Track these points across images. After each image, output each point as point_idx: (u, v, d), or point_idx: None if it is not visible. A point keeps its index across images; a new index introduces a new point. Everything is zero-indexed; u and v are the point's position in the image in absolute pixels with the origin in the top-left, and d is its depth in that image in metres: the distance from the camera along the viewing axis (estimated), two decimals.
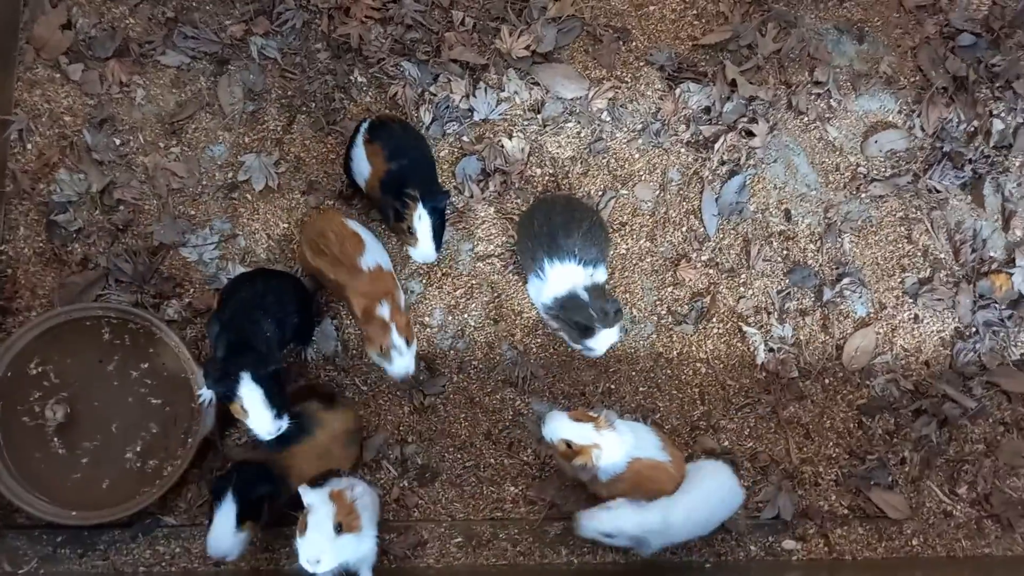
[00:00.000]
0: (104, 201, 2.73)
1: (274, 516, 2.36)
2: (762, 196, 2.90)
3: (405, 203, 2.49)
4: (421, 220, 2.50)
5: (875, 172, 2.94)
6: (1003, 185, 2.94)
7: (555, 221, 2.57)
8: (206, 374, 2.34)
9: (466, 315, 2.76)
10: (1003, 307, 2.84)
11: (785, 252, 2.86)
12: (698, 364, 2.78)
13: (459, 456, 2.67)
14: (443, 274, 2.79)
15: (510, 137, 2.86)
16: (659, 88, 2.94)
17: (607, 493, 2.41)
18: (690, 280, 2.82)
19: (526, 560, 2.60)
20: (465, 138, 2.87)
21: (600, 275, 2.59)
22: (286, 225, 2.77)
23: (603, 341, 2.54)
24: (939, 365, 2.81)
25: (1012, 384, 2.78)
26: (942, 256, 2.89)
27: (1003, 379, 2.79)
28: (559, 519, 2.62)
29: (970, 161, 2.93)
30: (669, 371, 2.77)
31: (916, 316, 2.84)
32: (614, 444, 2.34)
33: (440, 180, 2.73)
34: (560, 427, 2.36)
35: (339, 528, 2.15)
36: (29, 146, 2.76)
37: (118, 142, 2.78)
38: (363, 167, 2.59)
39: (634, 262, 2.83)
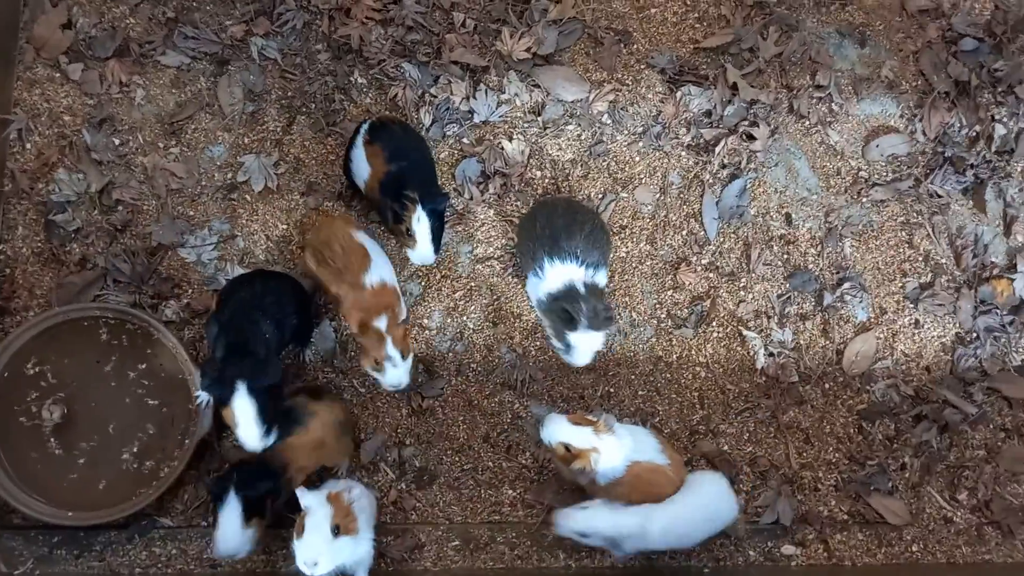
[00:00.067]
0: (103, 201, 2.73)
1: (274, 515, 2.35)
2: (763, 200, 2.89)
3: (404, 205, 2.48)
4: (420, 222, 2.50)
5: (876, 176, 2.93)
6: (1005, 190, 2.94)
7: (557, 223, 2.55)
8: (203, 375, 2.33)
9: (465, 317, 2.75)
10: (1004, 313, 2.83)
11: (786, 256, 2.86)
12: (698, 368, 2.77)
13: (457, 459, 2.66)
14: (442, 276, 2.78)
15: (510, 139, 2.86)
16: (660, 91, 2.93)
17: (606, 497, 2.40)
18: (690, 284, 2.81)
19: (524, 564, 2.59)
20: (465, 140, 2.86)
21: (601, 278, 2.58)
22: (285, 226, 2.77)
23: (585, 343, 2.50)
24: (940, 370, 2.80)
25: (1013, 390, 2.77)
26: (943, 261, 2.89)
27: (1004, 385, 2.78)
28: None
29: (972, 166, 2.92)
30: (668, 375, 2.76)
31: (917, 321, 2.84)
32: (613, 448, 2.33)
33: (440, 182, 2.72)
34: (559, 430, 2.35)
35: (336, 530, 2.16)
36: (28, 146, 2.76)
37: (117, 142, 2.78)
38: (363, 168, 2.59)
39: (634, 265, 2.82)
